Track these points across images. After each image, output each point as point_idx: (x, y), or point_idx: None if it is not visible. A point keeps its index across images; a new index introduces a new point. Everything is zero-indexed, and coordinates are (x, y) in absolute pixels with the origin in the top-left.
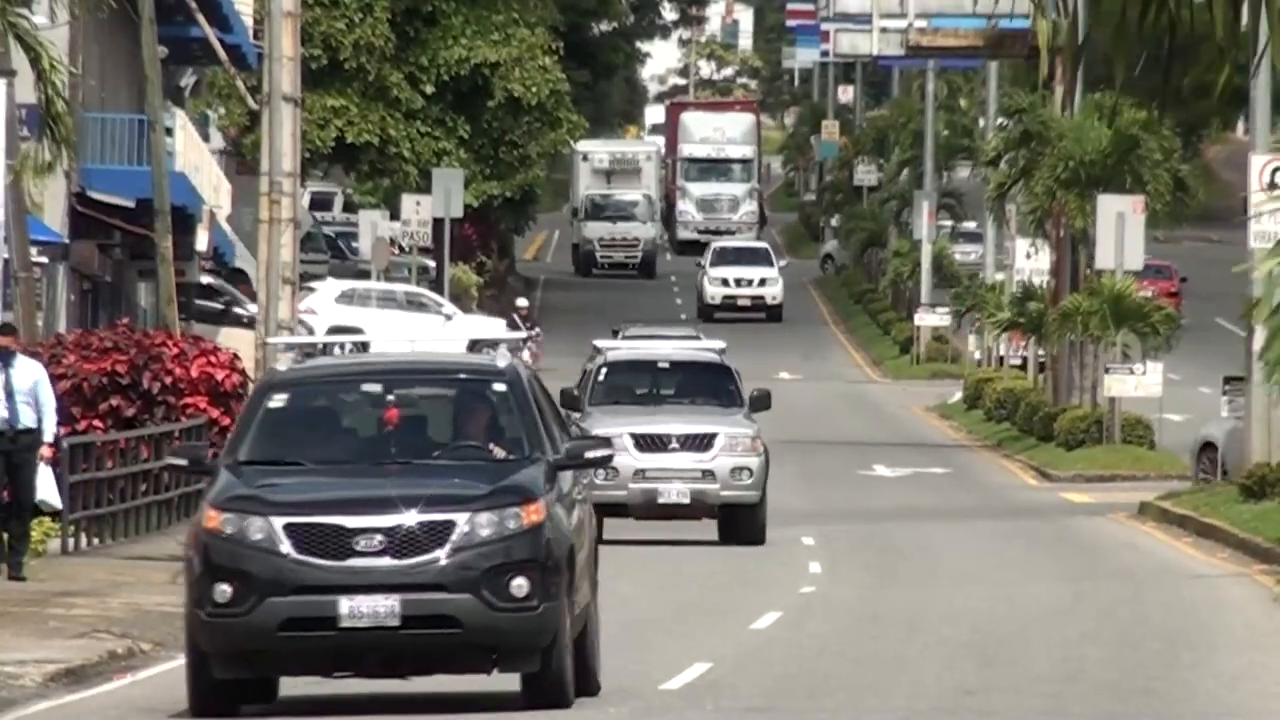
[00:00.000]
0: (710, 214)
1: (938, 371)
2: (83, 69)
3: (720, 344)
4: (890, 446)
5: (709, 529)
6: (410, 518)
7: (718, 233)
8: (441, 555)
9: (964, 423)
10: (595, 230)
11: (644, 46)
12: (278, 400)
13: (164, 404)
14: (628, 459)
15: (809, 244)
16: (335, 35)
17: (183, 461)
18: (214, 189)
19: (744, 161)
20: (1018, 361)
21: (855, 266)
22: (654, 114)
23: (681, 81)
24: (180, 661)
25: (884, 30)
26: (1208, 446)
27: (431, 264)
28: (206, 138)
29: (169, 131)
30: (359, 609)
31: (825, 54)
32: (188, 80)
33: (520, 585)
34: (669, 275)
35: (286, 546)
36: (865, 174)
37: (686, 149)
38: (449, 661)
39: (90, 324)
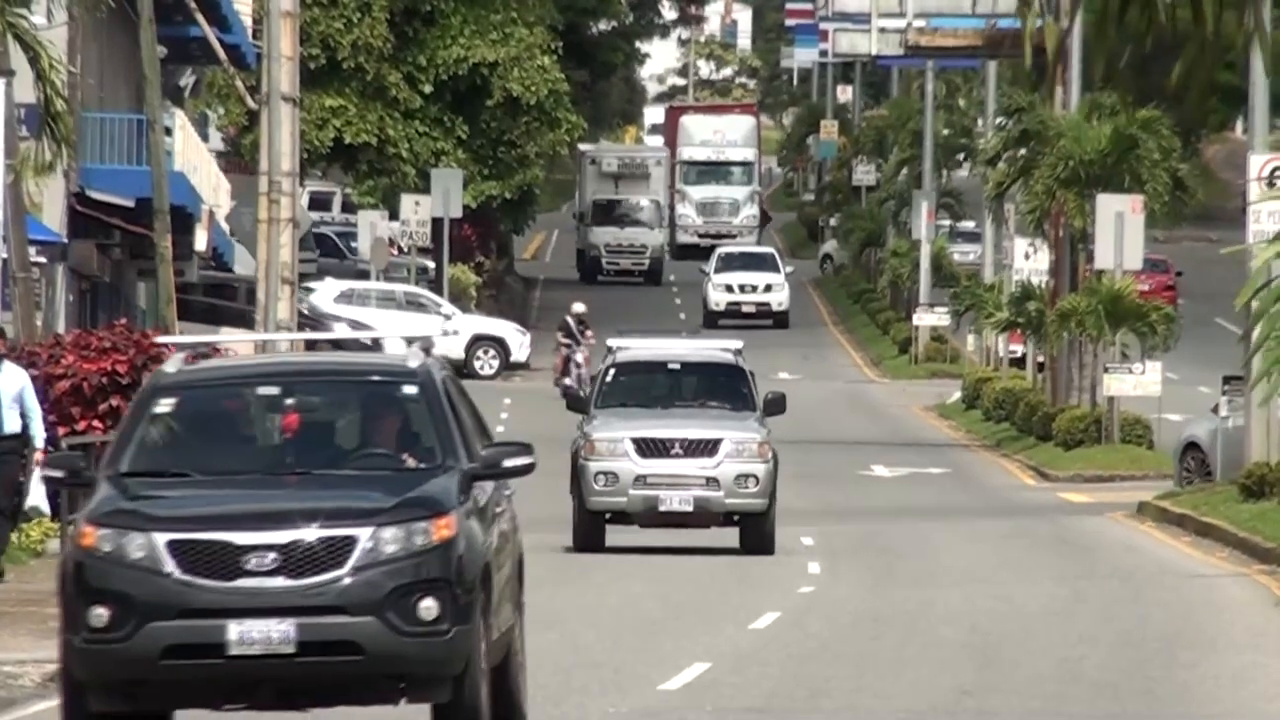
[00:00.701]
0: (710, 217)
1: (936, 371)
2: (82, 69)
3: (737, 343)
4: (889, 446)
5: (721, 537)
6: (308, 533)
7: (718, 236)
8: (342, 574)
9: (963, 422)
10: (602, 236)
11: (643, 46)
12: (164, 405)
13: None
14: (628, 464)
15: (808, 244)
16: (334, 35)
17: (59, 473)
18: (213, 189)
19: (744, 164)
20: (1016, 353)
21: (854, 266)
22: (653, 114)
23: (681, 81)
24: None
25: (883, 30)
26: (1192, 446)
27: (430, 264)
28: (206, 137)
29: (168, 131)
30: (250, 634)
31: (824, 54)
32: (187, 80)
33: (429, 607)
34: (668, 279)
35: (170, 566)
36: (864, 174)
37: (686, 152)
38: (351, 692)
39: (89, 324)
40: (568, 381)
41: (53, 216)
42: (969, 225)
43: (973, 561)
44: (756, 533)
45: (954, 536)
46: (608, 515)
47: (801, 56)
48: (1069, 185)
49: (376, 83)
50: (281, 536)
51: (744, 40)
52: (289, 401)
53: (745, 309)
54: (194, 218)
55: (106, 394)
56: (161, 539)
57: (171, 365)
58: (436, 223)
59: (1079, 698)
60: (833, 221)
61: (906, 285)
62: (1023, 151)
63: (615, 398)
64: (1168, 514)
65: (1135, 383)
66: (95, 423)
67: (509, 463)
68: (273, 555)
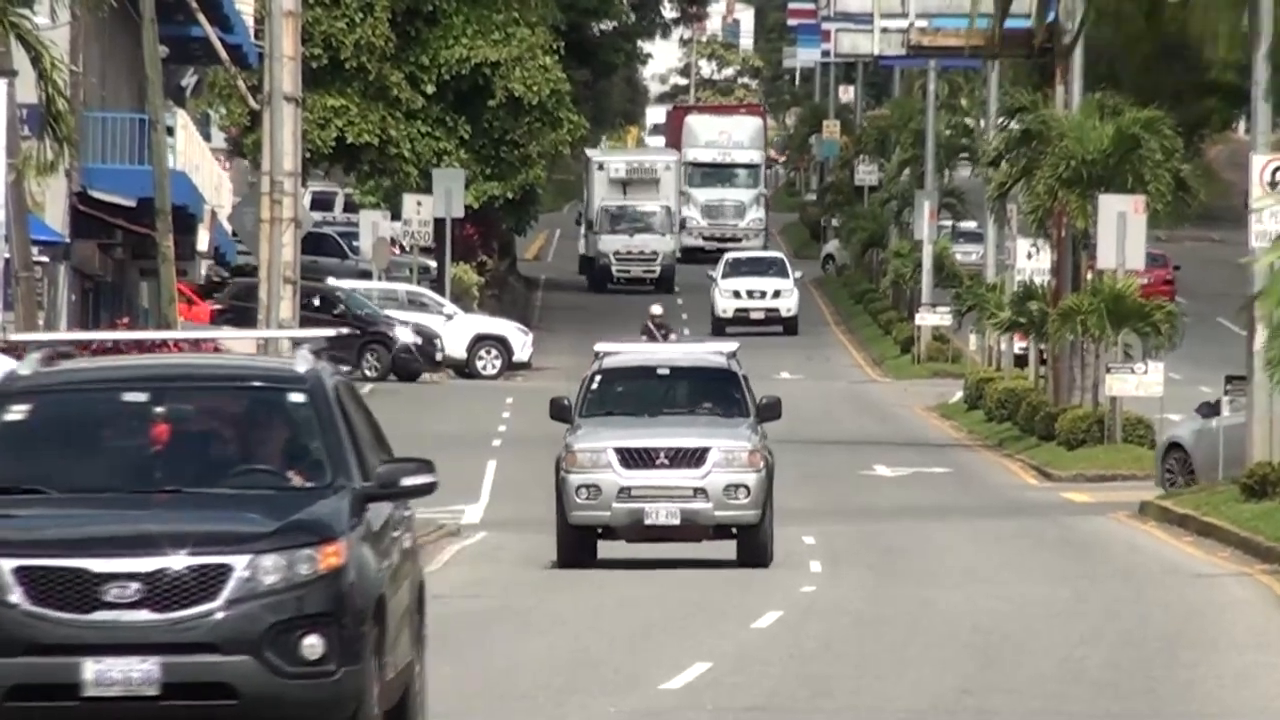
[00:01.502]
0: (715, 220)
1: (938, 371)
2: (84, 68)
3: (731, 346)
4: (891, 446)
5: (716, 549)
6: (176, 561)
7: (723, 240)
8: (214, 608)
9: (965, 422)
10: (611, 243)
11: (645, 46)
12: (16, 413)
13: None
14: (612, 476)
15: (810, 244)
16: (336, 35)
17: None
18: (215, 188)
19: (750, 166)
20: (1022, 350)
21: (856, 266)
22: (655, 114)
23: (682, 81)
24: None
25: (885, 30)
26: (1174, 447)
27: (432, 264)
28: (208, 137)
29: (170, 131)
30: (108, 674)
31: (826, 54)
32: (189, 80)
33: (313, 645)
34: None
35: (17, 595)
36: (866, 174)
37: (691, 153)
38: None
39: (91, 324)
40: None
41: (55, 216)
42: (971, 225)
43: (974, 561)
44: (751, 545)
45: (956, 536)
46: (599, 530)
47: (803, 56)
48: (1071, 185)
49: (379, 83)
50: (146, 564)
51: (746, 40)
52: (158, 410)
53: (754, 315)
54: (196, 217)
55: None
56: (7, 565)
57: (26, 366)
58: (439, 222)
59: (1081, 697)
60: (835, 222)
61: (909, 285)
62: (1025, 151)
63: (601, 406)
64: (1170, 514)
65: (1138, 383)
66: None
67: (408, 481)
68: (135, 585)
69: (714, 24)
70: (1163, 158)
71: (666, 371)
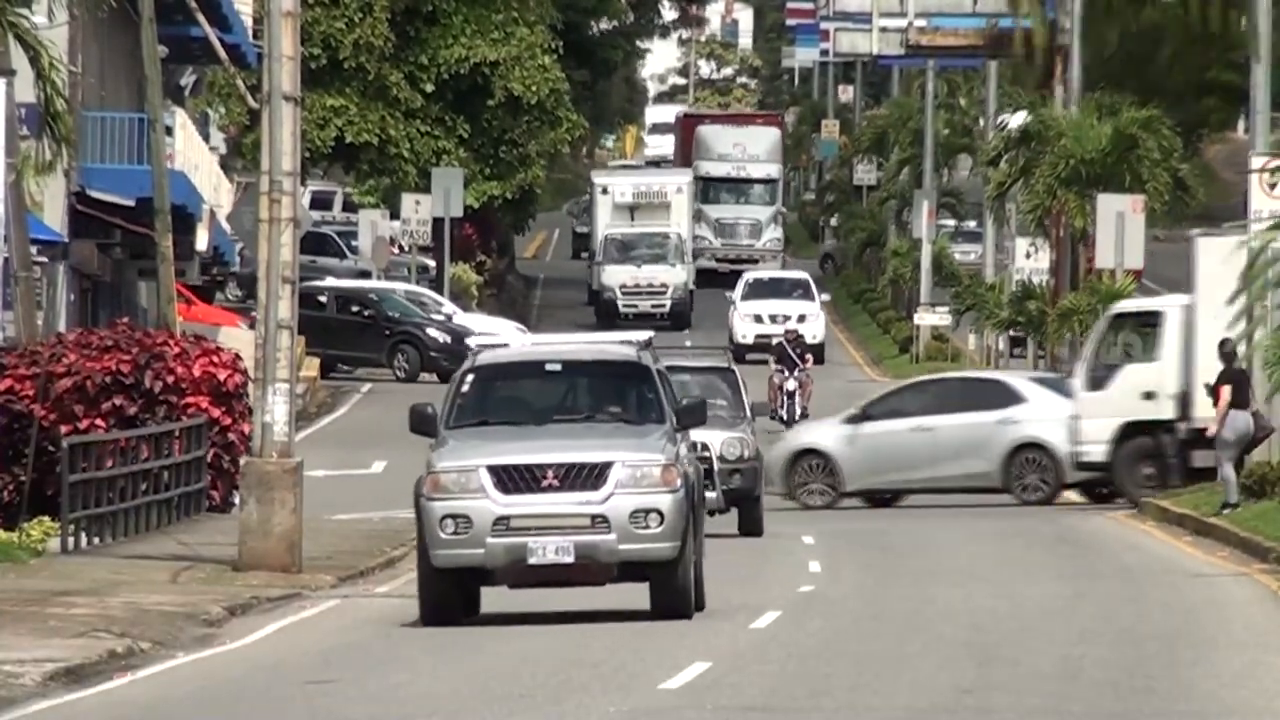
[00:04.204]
0: (729, 240)
1: (937, 370)
2: (82, 68)
3: (644, 335)
4: None
5: (626, 597)
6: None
7: (738, 261)
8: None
9: None
10: (616, 275)
11: (643, 46)
12: None
13: (165, 403)
14: (485, 503)
15: (809, 243)
16: (335, 35)
17: None
18: (214, 188)
19: (768, 181)
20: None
21: (855, 266)
22: (654, 114)
23: (681, 81)
24: (180, 660)
25: (884, 29)
26: (810, 453)
27: (431, 263)
28: (206, 137)
29: (169, 131)
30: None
31: (825, 53)
32: (187, 79)
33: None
34: None
35: None
36: (865, 173)
37: (704, 167)
38: None
39: (90, 323)
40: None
41: (53, 216)
42: (970, 225)
43: (973, 560)
44: (666, 589)
45: (955, 535)
46: (472, 573)
47: (802, 56)
48: (1070, 185)
49: (378, 82)
50: None
51: (745, 40)
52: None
53: (776, 342)
54: (195, 217)
55: (109, 392)
56: None
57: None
58: (437, 222)
59: (1080, 696)
60: (833, 221)
61: (907, 285)
62: (1023, 151)
63: (473, 413)
64: (1168, 513)
65: None
66: (98, 421)
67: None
68: None
69: (713, 24)
70: (1161, 157)
71: (558, 368)
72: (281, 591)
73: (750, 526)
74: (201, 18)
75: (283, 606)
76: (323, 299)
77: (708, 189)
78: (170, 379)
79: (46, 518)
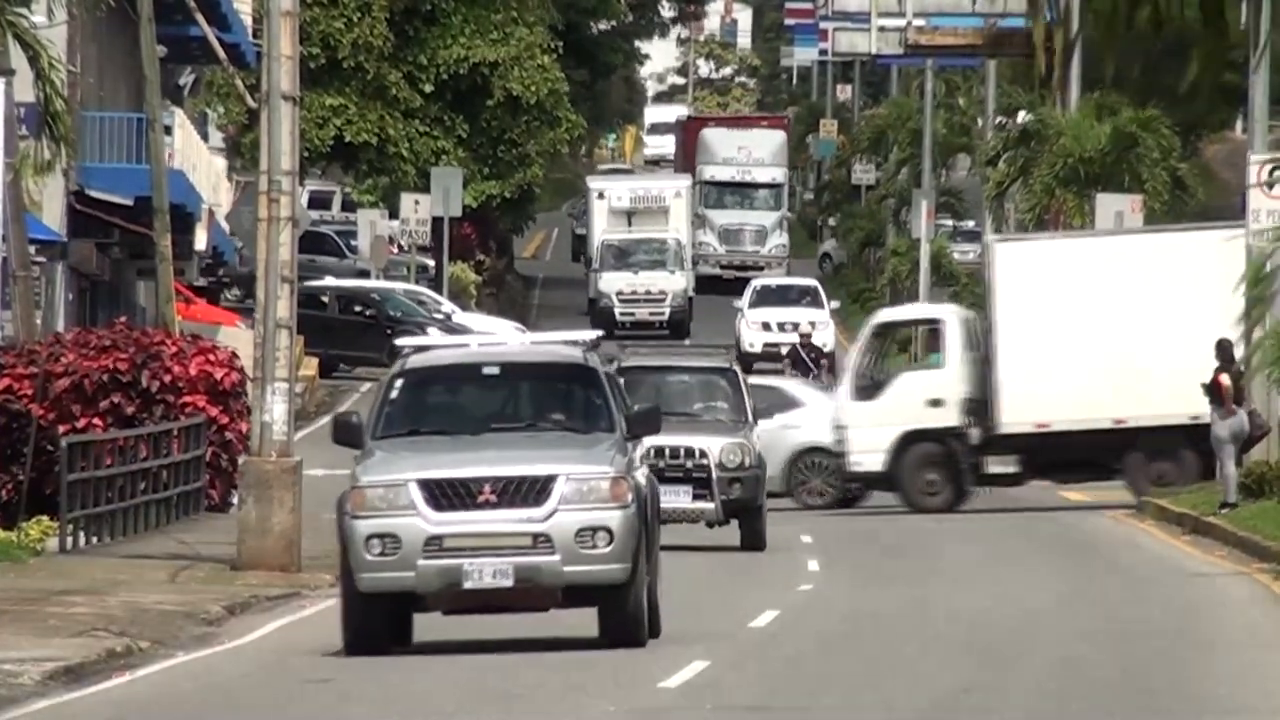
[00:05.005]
0: (733, 246)
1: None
2: (81, 68)
3: (593, 334)
4: None
5: (574, 622)
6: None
7: (743, 268)
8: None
9: None
10: (613, 282)
11: (642, 46)
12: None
13: (163, 402)
14: (415, 521)
15: (807, 243)
16: (334, 34)
17: None
18: (213, 188)
19: (773, 186)
20: None
21: (853, 265)
22: (653, 114)
23: (680, 80)
24: (179, 659)
25: (882, 29)
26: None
27: (430, 263)
28: (205, 136)
29: (168, 130)
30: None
31: (824, 53)
32: (186, 79)
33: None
34: None
35: None
36: (863, 173)
37: (707, 171)
38: None
39: (89, 323)
40: None
41: (52, 215)
42: (969, 224)
43: (973, 559)
44: (616, 614)
45: (954, 534)
46: (401, 598)
47: (801, 55)
48: (1068, 184)
49: (377, 82)
50: None
51: (744, 39)
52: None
53: (785, 351)
54: (194, 217)
55: (108, 391)
56: None
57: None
58: (436, 221)
59: (1079, 695)
60: (832, 221)
61: (906, 284)
62: (1022, 150)
63: (402, 422)
64: (1167, 513)
65: None
66: (96, 420)
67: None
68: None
69: (712, 23)
70: (1160, 156)
71: (496, 371)
72: (280, 590)
73: (753, 540)
74: (200, 17)
75: (282, 605)
76: (325, 299)
77: (711, 193)
78: (167, 378)
79: (45, 517)
